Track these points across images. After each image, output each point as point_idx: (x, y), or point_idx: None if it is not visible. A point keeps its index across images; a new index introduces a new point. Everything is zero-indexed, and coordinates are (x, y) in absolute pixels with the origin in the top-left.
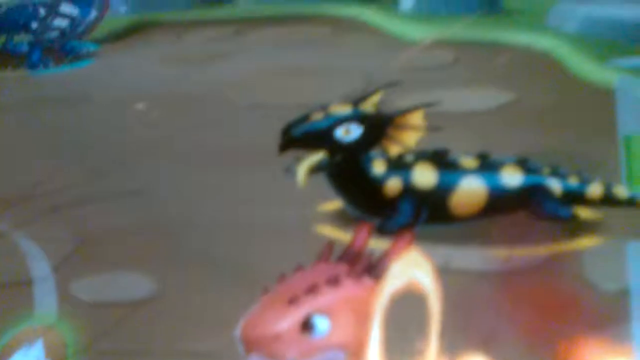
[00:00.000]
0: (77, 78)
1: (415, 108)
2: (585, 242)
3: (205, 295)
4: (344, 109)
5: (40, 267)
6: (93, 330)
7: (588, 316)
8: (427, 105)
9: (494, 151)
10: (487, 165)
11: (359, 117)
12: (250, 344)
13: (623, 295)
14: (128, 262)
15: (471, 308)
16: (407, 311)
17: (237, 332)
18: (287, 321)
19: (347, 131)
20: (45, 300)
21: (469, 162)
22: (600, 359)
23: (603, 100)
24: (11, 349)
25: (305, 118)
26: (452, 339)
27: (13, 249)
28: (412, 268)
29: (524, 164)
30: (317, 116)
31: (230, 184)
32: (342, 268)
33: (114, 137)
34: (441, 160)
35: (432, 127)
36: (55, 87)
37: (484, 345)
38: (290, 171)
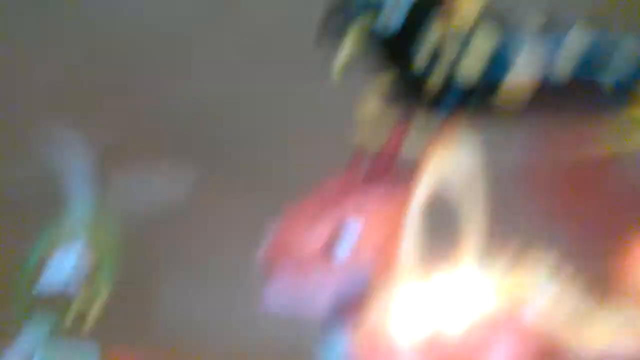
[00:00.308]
0: None
1: None
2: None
3: (238, 199)
4: None
5: (77, 162)
6: (129, 232)
7: None
8: None
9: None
10: (552, 27)
11: None
12: (272, 266)
13: None
14: (165, 163)
15: (514, 202)
16: (440, 214)
17: (260, 255)
18: (311, 242)
19: (393, 10)
20: (82, 196)
21: (531, 22)
22: None
23: None
24: (52, 247)
25: (347, 1)
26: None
27: (51, 142)
28: (448, 166)
29: (590, 26)
30: None
31: (264, 76)
32: (373, 175)
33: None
34: (502, 24)
35: None
36: None
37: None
38: (326, 64)
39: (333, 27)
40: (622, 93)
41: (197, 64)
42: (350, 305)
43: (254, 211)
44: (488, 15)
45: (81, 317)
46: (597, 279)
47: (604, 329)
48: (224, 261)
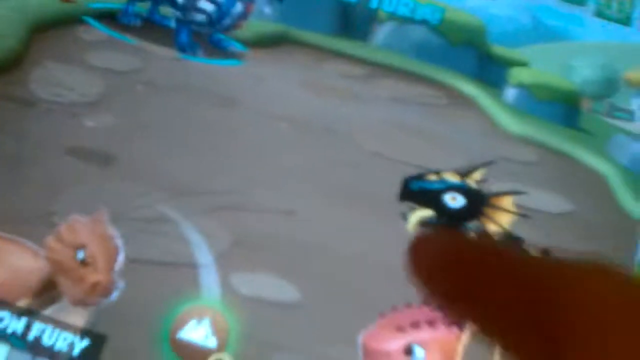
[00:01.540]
0: (224, 76)
1: (507, 193)
2: None
3: (335, 310)
4: (454, 178)
5: (203, 256)
6: (247, 322)
7: None
8: (517, 193)
9: (551, 249)
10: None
11: (464, 189)
12: (366, 353)
13: None
14: (276, 268)
15: None
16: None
17: (359, 340)
18: (394, 343)
19: (454, 199)
20: (209, 285)
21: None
22: None
23: (631, 229)
24: (183, 321)
25: (421, 176)
26: None
27: (180, 236)
28: None
29: None
30: (432, 177)
31: (357, 222)
32: (439, 315)
33: (261, 153)
34: (517, 247)
35: (521, 214)
36: (203, 80)
37: None
38: (404, 219)
39: (409, 191)
40: None
41: (303, 208)
42: None
43: (348, 322)
44: (506, 239)
45: None
46: None
47: None
48: (322, 356)
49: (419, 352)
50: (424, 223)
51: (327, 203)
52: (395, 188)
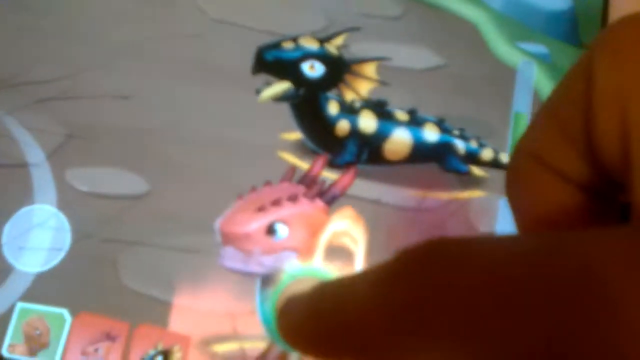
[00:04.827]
0: None
1: (370, 60)
2: (474, 194)
3: (187, 198)
4: (313, 45)
5: (33, 154)
6: (90, 220)
7: None
8: (381, 59)
9: (419, 108)
10: (414, 121)
11: (324, 56)
12: (225, 238)
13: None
14: (117, 160)
15: (392, 233)
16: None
17: (216, 226)
18: (255, 224)
19: (312, 67)
20: (43, 185)
21: (401, 115)
22: None
23: (506, 78)
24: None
25: (276, 45)
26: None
27: (5, 134)
28: (347, 220)
29: (440, 125)
30: (288, 45)
31: (205, 99)
32: (301, 189)
33: (86, 30)
34: (381, 110)
35: (381, 81)
36: None
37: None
38: (260, 94)
39: (263, 62)
40: (467, 157)
41: (144, 88)
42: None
43: (201, 208)
44: (369, 102)
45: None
46: None
47: None
48: (173, 247)
49: (281, 229)
50: (280, 97)
51: (168, 82)
52: (248, 59)
